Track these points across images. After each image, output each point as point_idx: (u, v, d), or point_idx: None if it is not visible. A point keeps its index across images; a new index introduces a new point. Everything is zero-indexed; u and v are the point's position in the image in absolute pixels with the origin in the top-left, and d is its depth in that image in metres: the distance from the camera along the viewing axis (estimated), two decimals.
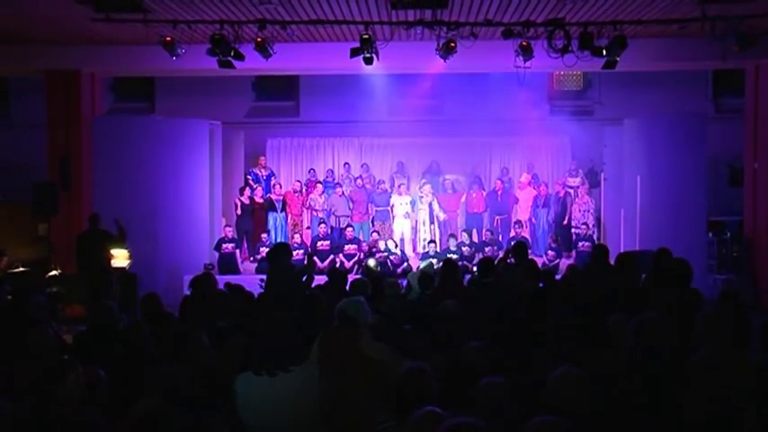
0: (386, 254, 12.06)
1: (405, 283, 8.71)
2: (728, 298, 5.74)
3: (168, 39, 9.78)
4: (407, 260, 12.29)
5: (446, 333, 5.02)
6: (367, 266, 9.46)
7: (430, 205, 13.77)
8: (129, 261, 10.64)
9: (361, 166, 15.13)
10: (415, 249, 13.56)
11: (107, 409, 3.51)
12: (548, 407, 3.35)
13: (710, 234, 12.37)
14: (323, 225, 12.82)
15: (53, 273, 10.80)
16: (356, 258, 12.34)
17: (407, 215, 13.67)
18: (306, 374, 3.51)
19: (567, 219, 13.55)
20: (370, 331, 4.40)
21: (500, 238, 13.19)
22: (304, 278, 7.70)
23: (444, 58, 10.07)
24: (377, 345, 4.29)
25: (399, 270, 11.76)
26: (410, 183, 14.63)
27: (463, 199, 14.01)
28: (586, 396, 3.41)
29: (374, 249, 12.13)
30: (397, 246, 12.46)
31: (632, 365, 3.90)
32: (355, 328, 4.26)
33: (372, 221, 13.74)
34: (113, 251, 10.37)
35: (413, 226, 13.88)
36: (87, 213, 10.63)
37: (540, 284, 6.82)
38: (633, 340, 3.97)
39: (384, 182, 14.45)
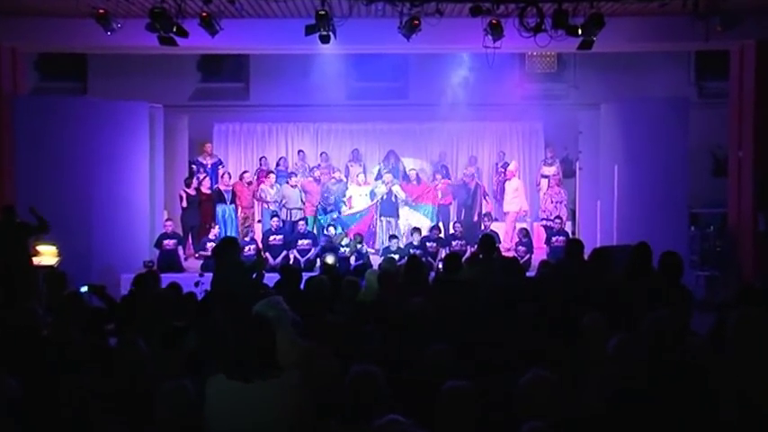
0: (347, 249, 12.01)
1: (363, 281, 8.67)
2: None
3: (101, 11, 9.60)
4: (368, 258, 12.19)
5: (409, 335, 5.01)
6: (325, 263, 9.42)
7: (389, 195, 13.67)
8: (57, 258, 10.45)
9: (320, 155, 15.05)
10: (373, 245, 13.49)
11: (21, 420, 3.47)
12: (520, 413, 3.36)
13: (692, 227, 12.55)
14: (275, 218, 12.71)
15: None
16: (310, 254, 12.27)
17: None
18: (282, 381, 3.48)
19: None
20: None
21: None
22: (254, 275, 7.65)
23: (407, 36, 10.07)
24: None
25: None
26: (367, 172, 14.54)
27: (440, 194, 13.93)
28: (559, 400, 3.42)
29: (336, 245, 12.06)
30: (362, 241, 12.39)
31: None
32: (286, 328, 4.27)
33: None
34: (39, 247, 10.16)
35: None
36: (10, 203, 10.35)
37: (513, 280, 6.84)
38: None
39: (339, 170, 14.38)
